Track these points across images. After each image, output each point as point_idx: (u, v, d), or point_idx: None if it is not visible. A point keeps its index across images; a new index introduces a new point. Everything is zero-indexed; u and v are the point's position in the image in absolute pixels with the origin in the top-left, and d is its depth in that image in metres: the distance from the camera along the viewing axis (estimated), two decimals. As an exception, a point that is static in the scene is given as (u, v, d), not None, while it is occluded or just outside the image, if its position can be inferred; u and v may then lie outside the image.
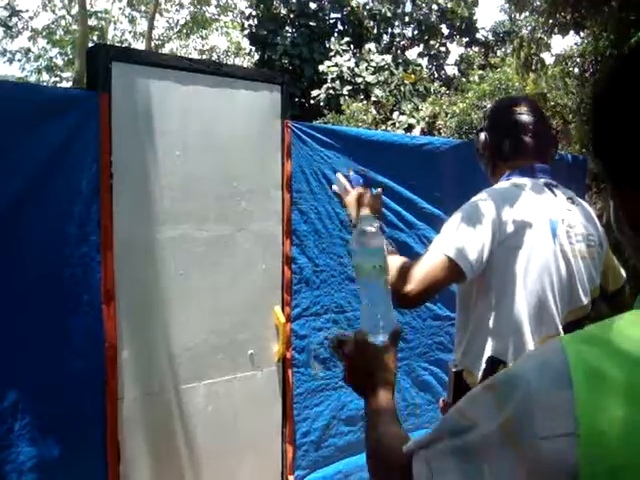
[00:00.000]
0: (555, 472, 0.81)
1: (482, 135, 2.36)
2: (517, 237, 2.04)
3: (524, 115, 2.30)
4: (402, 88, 13.24)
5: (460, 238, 2.01)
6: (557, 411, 0.82)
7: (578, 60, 7.95)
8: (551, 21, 6.76)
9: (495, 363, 2.06)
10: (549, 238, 2.08)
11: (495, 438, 0.87)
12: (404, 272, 1.96)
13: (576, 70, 8.05)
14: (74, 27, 20.88)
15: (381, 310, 1.49)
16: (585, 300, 2.16)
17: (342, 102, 12.55)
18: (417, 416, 3.75)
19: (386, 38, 19.18)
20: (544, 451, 0.81)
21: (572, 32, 7.11)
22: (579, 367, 0.83)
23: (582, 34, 7.58)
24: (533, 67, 7.24)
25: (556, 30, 6.92)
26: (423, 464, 0.98)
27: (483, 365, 2.09)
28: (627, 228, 0.98)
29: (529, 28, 8.95)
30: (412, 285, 1.93)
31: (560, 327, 2.11)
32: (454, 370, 2.20)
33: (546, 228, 2.08)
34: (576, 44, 8.37)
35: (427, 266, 1.96)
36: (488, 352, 2.08)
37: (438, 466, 0.95)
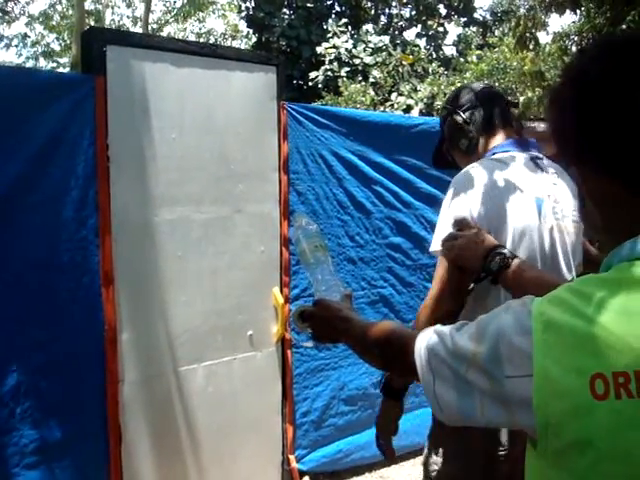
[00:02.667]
0: (518, 403, 0.99)
1: (456, 116, 2.31)
2: (504, 218, 2.02)
3: (494, 89, 2.35)
4: (400, 69, 13.17)
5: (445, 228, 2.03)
6: (519, 354, 0.99)
7: (575, 38, 7.93)
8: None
9: None
10: (535, 215, 2.05)
11: (474, 364, 1.06)
12: (426, 300, 2.03)
13: (574, 48, 8.04)
14: (70, 12, 20.76)
15: (329, 279, 1.80)
16: (569, 276, 2.13)
17: (340, 84, 12.48)
18: (417, 395, 3.76)
19: (384, 19, 19.07)
20: (508, 387, 1.00)
21: (568, 11, 7.08)
22: (539, 319, 0.99)
23: (578, 12, 7.55)
24: (528, 45, 7.21)
25: (553, 9, 6.90)
26: (427, 366, 1.17)
27: None
28: (590, 204, 1.09)
29: (526, 7, 8.92)
30: (436, 303, 1.99)
31: None
32: None
33: (532, 205, 2.05)
34: (573, 22, 8.35)
35: (439, 277, 2.00)
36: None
37: (438, 371, 1.14)
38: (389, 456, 2.30)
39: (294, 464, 3.84)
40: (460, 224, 1.95)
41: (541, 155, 2.20)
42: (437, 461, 2.19)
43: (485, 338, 1.05)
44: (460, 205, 2.03)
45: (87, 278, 2.99)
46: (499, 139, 2.24)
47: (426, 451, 2.25)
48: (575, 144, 1.08)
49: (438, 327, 1.21)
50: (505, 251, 1.84)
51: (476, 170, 2.10)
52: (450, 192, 2.09)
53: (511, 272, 1.80)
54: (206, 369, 3.47)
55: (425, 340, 1.20)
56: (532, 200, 2.06)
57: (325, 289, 1.78)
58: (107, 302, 3.04)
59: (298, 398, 3.86)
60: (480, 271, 1.88)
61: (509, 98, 2.43)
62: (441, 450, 2.19)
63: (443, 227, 2.04)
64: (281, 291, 3.68)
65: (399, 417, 2.24)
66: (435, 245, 2.04)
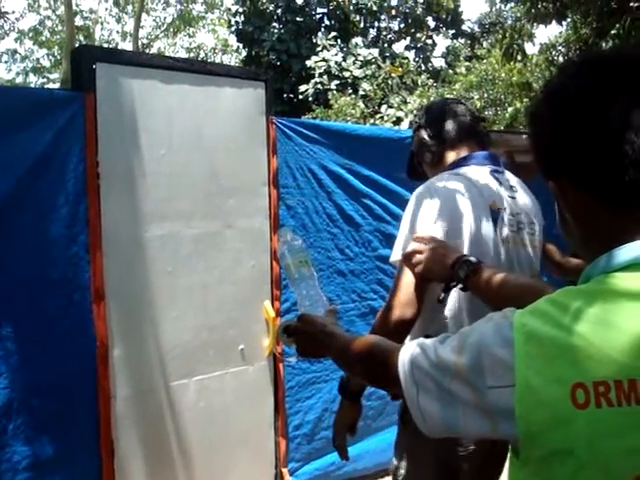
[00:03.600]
0: (500, 413, 1.02)
1: (422, 131, 2.39)
2: (460, 230, 2.08)
3: (460, 105, 2.40)
4: (389, 81, 13.25)
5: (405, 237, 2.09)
6: (500, 365, 1.01)
7: (562, 49, 8.00)
8: (533, 11, 6.79)
9: None
10: (490, 227, 2.11)
11: (457, 375, 1.08)
12: (386, 307, 2.06)
13: (560, 59, 8.10)
14: (60, 28, 20.81)
15: (314, 294, 1.84)
16: None
17: (330, 97, 12.56)
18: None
19: (373, 32, 19.20)
20: (490, 397, 1.02)
21: (554, 22, 7.15)
22: (520, 330, 1.01)
23: (564, 23, 7.62)
24: (515, 56, 7.27)
25: (538, 20, 6.97)
26: (410, 378, 1.19)
27: None
28: (570, 217, 1.12)
29: (513, 18, 8.99)
30: (400, 309, 2.02)
31: None
32: None
33: (487, 217, 2.11)
34: (560, 33, 8.43)
35: (403, 285, 2.04)
36: (428, 331, 2.13)
37: (421, 383, 1.16)
38: (344, 457, 2.34)
39: (287, 477, 3.84)
40: (422, 239, 2.01)
41: (501, 169, 2.27)
42: (403, 465, 2.25)
43: (467, 350, 1.08)
44: (421, 217, 2.09)
45: (78, 294, 3.00)
46: (462, 153, 2.31)
47: (394, 459, 2.30)
48: (552, 159, 1.11)
49: (421, 340, 1.24)
50: (471, 259, 1.89)
51: (435, 183, 2.17)
52: (411, 204, 2.15)
53: (479, 277, 1.84)
54: (198, 384, 3.48)
55: (408, 353, 1.22)
56: (488, 212, 2.13)
57: (309, 304, 1.82)
58: (98, 318, 3.05)
59: (290, 411, 3.87)
60: (449, 281, 1.92)
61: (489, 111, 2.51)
62: (405, 455, 2.24)
63: (404, 238, 2.10)
64: (272, 305, 3.70)
65: (357, 418, 2.28)
66: (396, 255, 2.11)
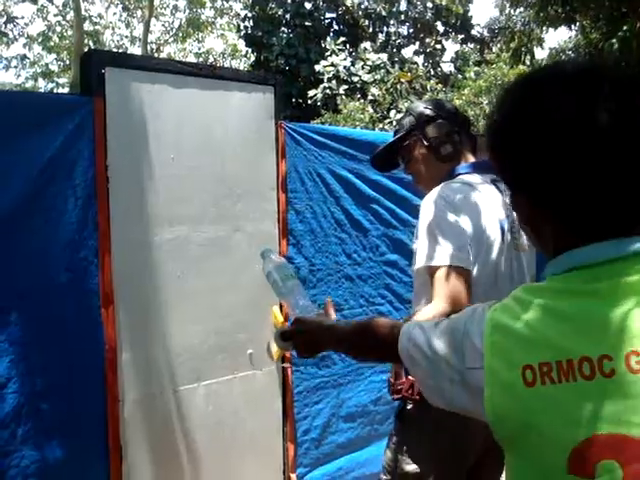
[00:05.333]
0: (476, 392, 1.18)
1: (420, 136, 2.43)
2: (476, 235, 2.14)
3: (459, 111, 2.46)
4: (398, 86, 13.24)
5: (448, 244, 2.11)
6: (475, 351, 1.19)
7: (571, 53, 7.98)
8: (542, 14, 6.77)
9: None
10: (499, 234, 2.19)
11: (446, 356, 1.27)
12: (427, 313, 2.07)
13: (570, 64, 8.07)
14: (69, 33, 20.89)
15: (303, 302, 1.97)
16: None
17: (339, 101, 12.56)
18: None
19: (381, 37, 19.19)
20: (469, 377, 1.21)
21: (564, 26, 7.14)
22: (489, 324, 1.19)
23: (573, 27, 7.60)
24: (524, 59, 7.26)
25: (547, 24, 6.95)
26: (408, 354, 1.39)
27: None
28: (524, 226, 1.32)
29: (522, 22, 8.97)
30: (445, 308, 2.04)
31: None
32: None
33: (496, 224, 2.19)
34: (570, 38, 8.41)
35: (443, 287, 2.05)
36: None
37: (416, 359, 1.35)
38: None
39: (295, 483, 3.83)
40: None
41: (499, 177, 2.28)
42: (402, 460, 2.29)
43: (454, 335, 1.27)
44: (443, 225, 2.14)
45: (87, 298, 3.00)
46: (463, 160, 2.34)
47: (387, 453, 2.36)
48: (504, 174, 1.32)
49: (419, 321, 1.50)
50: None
51: (447, 192, 2.22)
52: (427, 212, 2.20)
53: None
54: (206, 388, 3.48)
55: (408, 330, 1.41)
56: (496, 219, 2.21)
57: (300, 312, 1.95)
58: (107, 322, 3.05)
59: (299, 416, 3.86)
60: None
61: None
62: (405, 449, 2.29)
63: (427, 245, 2.14)
64: (280, 309, 3.69)
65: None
66: (423, 262, 2.14)
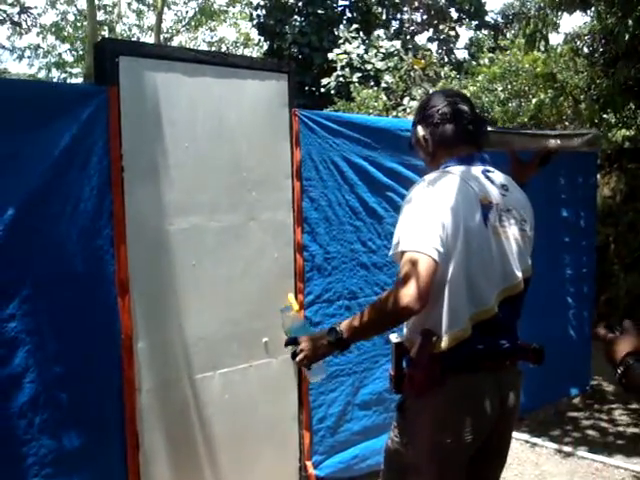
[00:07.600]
0: None
1: (419, 127, 2.48)
2: (454, 222, 2.17)
3: (460, 104, 2.45)
4: (412, 74, 13.16)
5: (422, 232, 2.14)
6: None
7: (587, 39, 7.90)
8: (557, -1, 6.72)
9: (428, 335, 2.17)
10: (481, 221, 2.22)
11: None
12: (396, 291, 2.08)
13: (585, 50, 8.00)
14: (83, 23, 20.88)
15: (305, 326, 2.62)
16: (519, 276, 2.30)
17: (352, 89, 12.49)
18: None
19: (395, 24, 19.07)
20: None
21: (579, 11, 7.06)
22: None
23: (589, 12, 7.53)
24: (538, 45, 7.18)
25: (562, 8, 6.88)
26: None
27: (419, 337, 2.19)
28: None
29: (536, 8, 8.88)
30: (411, 299, 2.05)
31: (493, 302, 2.24)
32: (394, 342, 2.32)
33: (477, 210, 2.23)
34: (585, 23, 8.32)
35: (422, 277, 2.06)
36: (425, 325, 2.19)
37: None
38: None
39: (311, 470, 3.84)
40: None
41: (492, 169, 2.41)
42: (404, 450, 2.35)
43: None
44: (420, 212, 2.20)
45: (103, 287, 3.01)
46: (455, 153, 2.41)
47: (394, 439, 2.41)
48: None
49: None
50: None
51: (428, 181, 2.31)
52: (409, 201, 2.29)
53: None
54: (222, 376, 3.49)
55: None
56: (478, 205, 2.25)
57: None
58: (123, 311, 3.06)
59: (314, 404, 3.87)
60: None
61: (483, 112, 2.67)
62: (407, 439, 2.33)
63: (407, 230, 2.18)
64: (296, 297, 3.69)
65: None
66: (403, 246, 2.16)
